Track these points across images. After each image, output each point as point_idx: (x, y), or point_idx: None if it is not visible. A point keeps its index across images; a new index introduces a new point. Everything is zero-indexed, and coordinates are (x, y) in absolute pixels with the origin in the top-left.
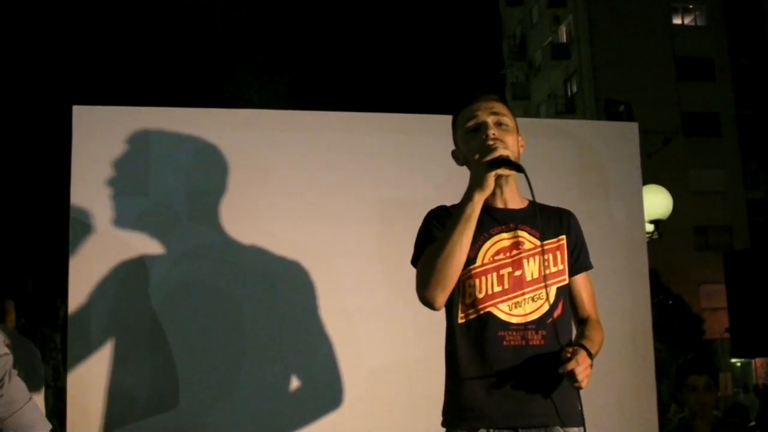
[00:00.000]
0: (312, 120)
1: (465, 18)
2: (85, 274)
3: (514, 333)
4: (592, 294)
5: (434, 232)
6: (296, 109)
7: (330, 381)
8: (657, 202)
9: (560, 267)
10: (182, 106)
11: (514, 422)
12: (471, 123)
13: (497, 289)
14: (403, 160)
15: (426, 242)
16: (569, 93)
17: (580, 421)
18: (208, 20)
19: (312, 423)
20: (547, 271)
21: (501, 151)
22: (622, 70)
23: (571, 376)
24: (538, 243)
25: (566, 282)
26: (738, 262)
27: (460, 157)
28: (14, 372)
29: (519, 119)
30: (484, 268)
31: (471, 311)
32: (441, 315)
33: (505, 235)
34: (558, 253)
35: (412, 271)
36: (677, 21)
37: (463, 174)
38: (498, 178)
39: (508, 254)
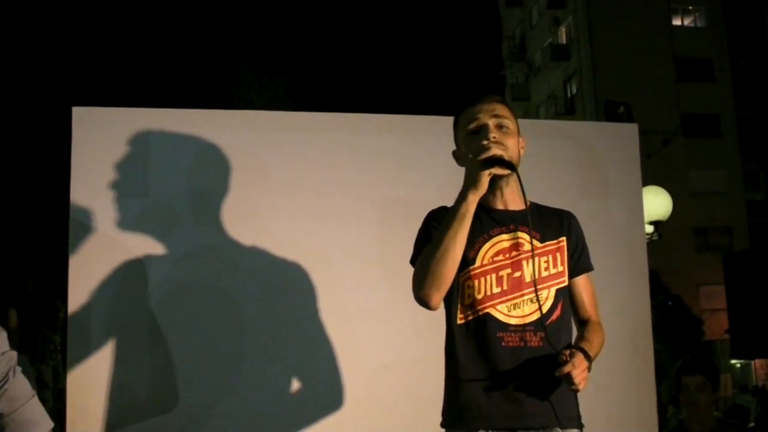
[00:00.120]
0: (312, 121)
1: (465, 19)
2: (85, 274)
3: (513, 334)
4: (593, 295)
5: (433, 233)
6: (296, 110)
7: (330, 381)
8: (657, 203)
9: (560, 268)
10: (182, 107)
11: (512, 423)
12: (472, 125)
13: (496, 290)
14: (403, 161)
15: (424, 242)
16: (569, 94)
17: (579, 424)
18: (207, 21)
19: (312, 423)
20: (546, 273)
21: (494, 151)
22: (622, 71)
23: (568, 378)
24: (538, 244)
25: (566, 284)
26: (738, 263)
27: (461, 157)
28: (18, 369)
29: (519, 120)
30: (483, 269)
31: (470, 312)
32: (441, 315)
33: (504, 236)
34: (558, 254)
35: (412, 271)
36: (677, 22)
37: (464, 175)
38: (499, 179)
39: (507, 255)
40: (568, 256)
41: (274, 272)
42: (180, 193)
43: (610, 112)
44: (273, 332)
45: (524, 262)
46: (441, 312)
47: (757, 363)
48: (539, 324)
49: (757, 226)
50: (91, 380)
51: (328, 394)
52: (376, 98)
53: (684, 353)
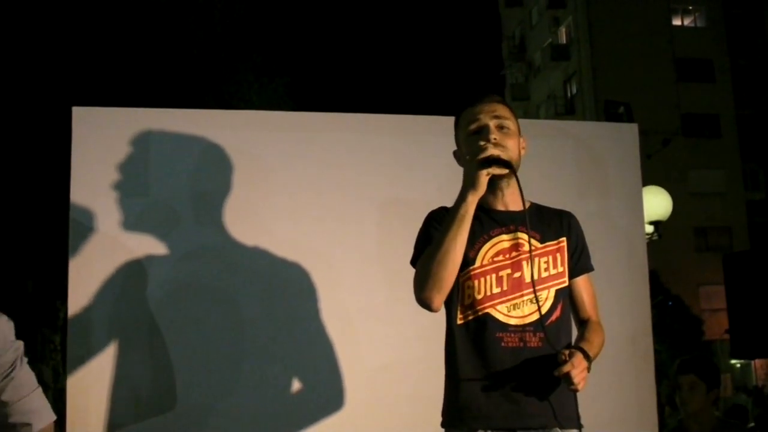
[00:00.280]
0: (312, 121)
1: (465, 19)
2: (85, 275)
3: (512, 334)
4: (593, 296)
5: (433, 234)
6: (296, 110)
7: (330, 381)
8: (657, 203)
9: (560, 269)
10: (182, 107)
11: (512, 423)
12: (473, 126)
13: (496, 290)
14: (403, 161)
15: (425, 243)
16: (569, 94)
17: (578, 424)
18: (207, 21)
19: (312, 423)
20: (546, 274)
21: (491, 151)
22: (622, 71)
23: (567, 378)
24: (538, 245)
25: (566, 284)
26: (737, 263)
27: (461, 157)
28: (25, 359)
29: (519, 120)
30: (483, 269)
31: (470, 312)
32: (441, 315)
33: (504, 236)
34: (558, 255)
35: (412, 272)
36: (677, 22)
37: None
38: (499, 180)
39: (507, 256)
40: (568, 257)
41: (274, 272)
42: (180, 194)
43: (610, 112)
44: (273, 332)
45: (524, 263)
46: (441, 312)
47: (757, 363)
48: (539, 324)
49: (756, 226)
50: (91, 380)
51: (328, 394)
52: (376, 98)
53: (684, 353)
